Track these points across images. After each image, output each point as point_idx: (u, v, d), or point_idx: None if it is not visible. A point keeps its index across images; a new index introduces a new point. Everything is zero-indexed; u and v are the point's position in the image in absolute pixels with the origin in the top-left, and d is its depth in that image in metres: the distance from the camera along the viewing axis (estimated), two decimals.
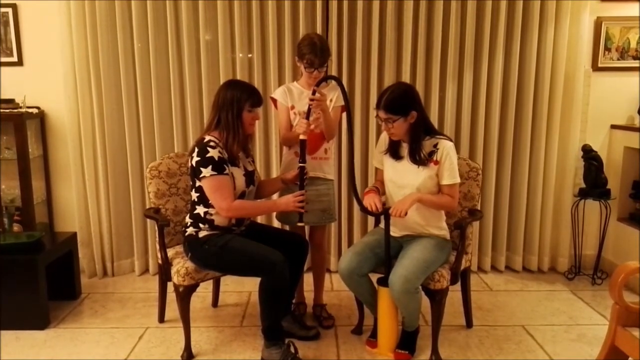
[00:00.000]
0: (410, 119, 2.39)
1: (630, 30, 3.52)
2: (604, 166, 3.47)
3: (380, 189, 2.61)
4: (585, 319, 3.00)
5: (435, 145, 2.44)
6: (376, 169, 2.70)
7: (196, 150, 2.40)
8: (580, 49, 3.41)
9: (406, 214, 2.34)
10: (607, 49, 3.54)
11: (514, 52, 3.41)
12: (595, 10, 3.46)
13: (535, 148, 3.54)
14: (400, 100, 2.37)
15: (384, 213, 2.44)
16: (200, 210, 2.47)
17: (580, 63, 3.43)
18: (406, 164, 2.46)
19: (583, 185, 3.52)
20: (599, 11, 3.48)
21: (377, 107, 2.40)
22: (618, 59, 3.55)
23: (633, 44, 3.53)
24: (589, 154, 3.47)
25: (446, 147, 2.42)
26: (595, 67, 3.55)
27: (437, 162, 2.42)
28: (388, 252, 2.47)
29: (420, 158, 2.42)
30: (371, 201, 2.46)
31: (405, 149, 2.48)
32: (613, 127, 3.63)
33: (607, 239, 3.55)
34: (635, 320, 2.00)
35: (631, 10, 3.48)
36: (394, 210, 2.36)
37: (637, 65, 3.54)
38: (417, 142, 2.42)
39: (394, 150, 2.52)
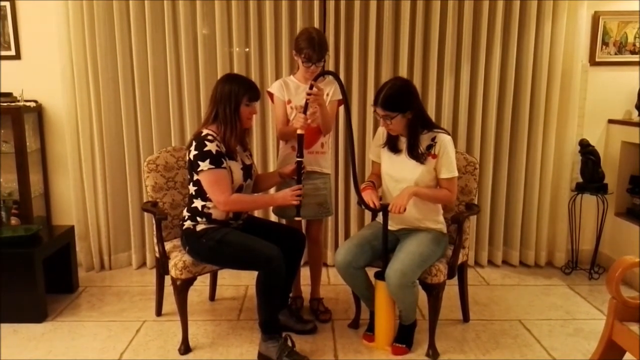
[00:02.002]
0: (408, 114, 2.38)
1: (628, 25, 3.51)
2: (601, 161, 3.48)
3: (375, 183, 2.61)
4: (582, 313, 3.01)
5: (433, 139, 2.43)
6: (372, 162, 2.70)
7: (194, 144, 2.40)
8: (577, 43, 3.41)
9: (405, 209, 2.35)
10: (605, 43, 3.53)
11: (511, 46, 3.41)
12: (593, 5, 3.46)
13: (532, 142, 3.55)
14: (399, 97, 2.36)
15: (383, 209, 2.44)
16: (197, 204, 2.47)
17: (577, 57, 3.43)
18: (404, 158, 2.46)
19: (580, 180, 3.53)
20: (597, 5, 3.48)
21: (375, 104, 2.39)
22: (615, 54, 3.55)
23: (630, 39, 3.53)
24: (586, 148, 3.47)
25: (444, 141, 2.42)
26: (593, 62, 3.55)
27: (435, 156, 2.42)
28: (385, 247, 2.47)
29: (418, 154, 2.41)
30: (369, 198, 2.46)
31: (403, 143, 2.48)
32: (610, 121, 3.63)
33: (604, 234, 3.56)
34: (633, 315, 2.00)
35: (629, 4, 3.48)
36: (393, 206, 2.36)
37: (635, 59, 3.54)
38: (415, 138, 2.42)
39: (392, 144, 2.52)
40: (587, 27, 3.48)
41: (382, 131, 2.58)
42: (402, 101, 2.36)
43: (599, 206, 3.49)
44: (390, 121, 2.38)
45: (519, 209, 3.62)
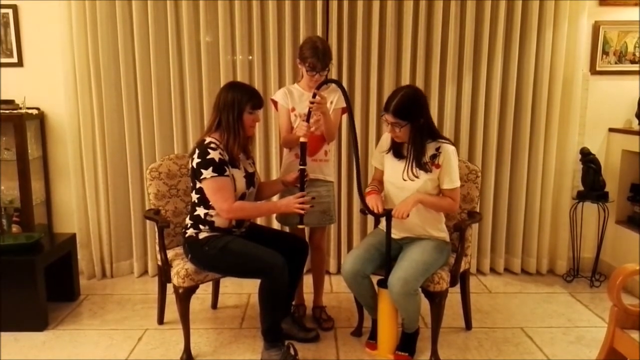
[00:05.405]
0: (417, 124, 2.38)
1: (628, 34, 3.54)
2: (602, 169, 3.49)
3: (378, 188, 2.61)
4: (584, 321, 3.01)
5: (438, 149, 2.44)
6: (375, 168, 2.71)
7: (197, 151, 2.40)
8: (578, 52, 3.43)
9: (408, 215, 2.35)
10: (605, 52, 3.56)
11: (513, 55, 3.43)
12: (593, 15, 3.49)
13: (534, 151, 3.56)
14: (410, 107, 2.36)
15: (386, 214, 2.45)
16: (200, 211, 2.47)
17: (578, 66, 3.45)
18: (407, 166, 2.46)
19: (581, 188, 3.53)
20: (597, 15, 3.50)
21: (386, 110, 2.39)
22: (616, 63, 3.57)
23: (630, 48, 3.56)
24: (587, 157, 3.48)
25: (447, 151, 2.42)
26: (594, 71, 3.57)
27: (438, 166, 2.43)
28: (389, 254, 2.47)
29: (422, 165, 2.41)
30: (373, 202, 2.46)
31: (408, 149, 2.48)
32: (611, 130, 3.65)
33: (605, 242, 3.56)
34: (634, 323, 2.01)
35: (629, 14, 3.50)
36: (396, 211, 2.36)
37: (635, 69, 3.56)
38: (421, 148, 2.41)
39: (396, 150, 2.52)
40: (588, 36, 3.51)
41: (386, 137, 2.59)
42: (413, 111, 2.36)
43: (600, 214, 3.50)
44: (399, 129, 2.38)
45: (521, 216, 3.63)
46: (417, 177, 2.42)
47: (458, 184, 2.45)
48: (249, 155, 2.62)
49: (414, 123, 2.37)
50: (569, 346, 2.71)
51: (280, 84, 3.37)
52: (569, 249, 3.67)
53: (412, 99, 2.38)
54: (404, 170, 2.44)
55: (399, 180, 2.48)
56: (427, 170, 2.41)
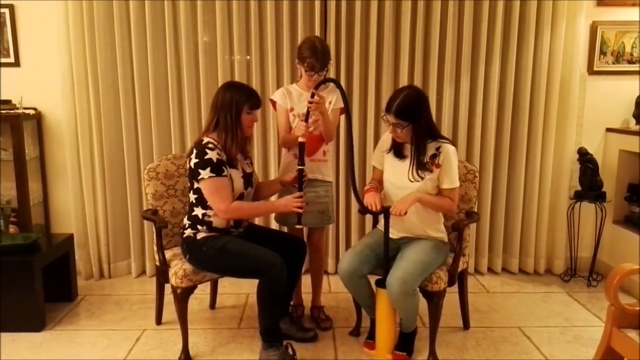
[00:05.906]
0: (418, 125, 2.38)
1: (625, 35, 3.55)
2: (600, 169, 3.50)
3: (378, 187, 2.61)
4: (581, 320, 3.02)
5: (438, 149, 2.44)
6: (373, 167, 2.71)
7: (194, 152, 2.40)
8: (576, 52, 3.44)
9: (406, 213, 2.35)
10: (603, 53, 3.57)
11: (511, 55, 3.43)
12: (591, 15, 3.49)
13: (531, 151, 3.56)
14: (412, 108, 2.36)
15: (384, 212, 2.45)
16: (198, 212, 2.47)
17: (576, 67, 3.45)
18: (407, 166, 2.46)
19: (579, 188, 3.54)
20: (595, 15, 3.51)
21: (387, 111, 2.39)
22: (613, 63, 3.58)
23: (628, 48, 3.56)
24: (584, 156, 3.49)
25: (448, 152, 2.42)
26: (591, 71, 3.58)
27: (438, 165, 2.43)
28: (387, 252, 2.47)
29: (423, 164, 2.41)
30: (371, 200, 2.46)
31: (408, 149, 2.48)
32: (608, 130, 3.65)
33: (603, 242, 3.57)
34: (631, 322, 2.02)
35: (626, 14, 3.51)
36: (394, 209, 2.36)
37: (632, 69, 3.57)
38: (422, 148, 2.41)
39: (397, 150, 2.52)
40: (586, 36, 3.52)
41: (386, 137, 2.59)
42: (415, 111, 2.36)
43: (597, 214, 3.50)
44: (400, 130, 2.38)
45: (519, 216, 3.64)
46: (423, 177, 2.41)
47: (457, 184, 2.46)
48: (246, 156, 2.62)
49: (416, 124, 2.37)
50: (567, 345, 2.72)
51: (279, 84, 3.37)
52: (566, 248, 3.67)
53: (414, 99, 2.38)
54: (409, 171, 2.43)
55: (400, 180, 2.48)
56: (428, 171, 2.41)
